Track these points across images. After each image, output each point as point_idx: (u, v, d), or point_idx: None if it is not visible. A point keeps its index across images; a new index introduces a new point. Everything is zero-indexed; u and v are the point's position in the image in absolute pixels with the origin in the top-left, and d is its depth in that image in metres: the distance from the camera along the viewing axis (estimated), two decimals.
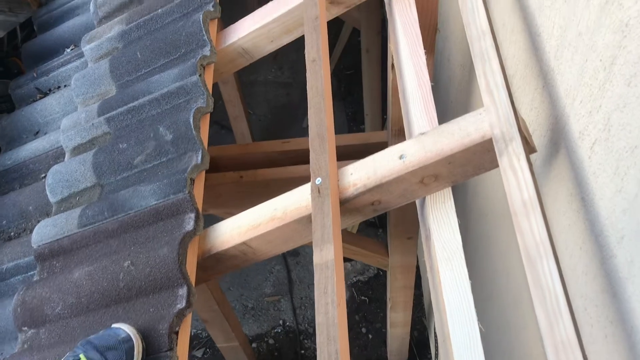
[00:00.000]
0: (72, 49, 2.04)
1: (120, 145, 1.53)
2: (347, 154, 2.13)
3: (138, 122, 1.60)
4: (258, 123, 5.11)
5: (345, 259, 3.62)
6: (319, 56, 1.40)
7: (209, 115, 1.55)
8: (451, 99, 2.18)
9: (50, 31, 2.13)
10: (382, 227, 4.21)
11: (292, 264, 4.09)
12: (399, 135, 1.97)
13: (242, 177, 2.06)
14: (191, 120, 1.45)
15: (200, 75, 1.54)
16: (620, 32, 0.82)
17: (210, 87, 1.59)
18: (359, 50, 3.94)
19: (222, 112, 4.33)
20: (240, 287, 4.04)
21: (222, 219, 2.21)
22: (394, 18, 1.49)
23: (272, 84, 5.33)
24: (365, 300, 3.92)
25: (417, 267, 2.81)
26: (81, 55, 1.93)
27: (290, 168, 2.06)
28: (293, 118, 5.07)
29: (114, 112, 1.62)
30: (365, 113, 4.33)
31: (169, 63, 1.67)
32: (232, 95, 3.88)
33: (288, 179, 2.04)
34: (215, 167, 2.18)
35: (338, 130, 5.14)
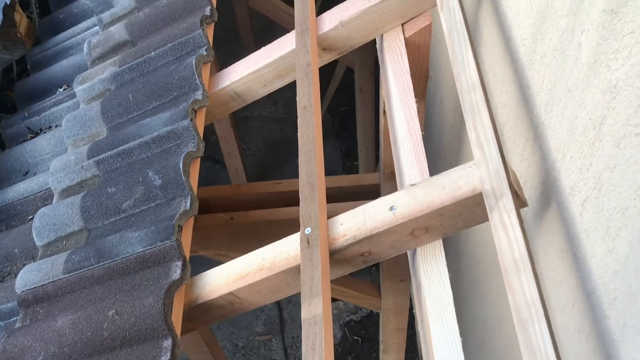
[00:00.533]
0: (64, 89, 2.04)
1: (109, 190, 1.51)
2: (340, 196, 2.12)
3: (128, 166, 1.59)
4: (252, 158, 5.11)
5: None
6: (310, 103, 1.39)
7: (199, 159, 1.54)
8: (443, 142, 2.19)
9: (43, 71, 2.13)
10: (375, 265, 4.18)
11: (283, 302, 4.04)
12: (391, 178, 1.97)
13: (232, 218, 2.04)
14: (181, 165, 1.44)
15: (191, 120, 1.54)
16: (609, 93, 0.82)
17: (201, 130, 1.59)
18: (353, 87, 3.98)
19: (216, 147, 4.33)
20: (231, 326, 3.98)
21: (213, 260, 2.18)
22: (386, 66, 1.49)
23: (266, 120, 5.36)
24: (358, 340, 3.86)
25: (411, 308, 2.77)
26: (73, 95, 1.93)
27: (282, 210, 2.05)
28: (287, 153, 5.08)
29: (103, 155, 1.61)
30: (359, 150, 4.34)
31: (161, 106, 1.67)
32: (226, 132, 3.89)
33: (280, 221, 2.03)
34: (205, 207, 2.16)
35: (332, 166, 5.16)
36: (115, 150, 1.60)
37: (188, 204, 1.41)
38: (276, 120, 5.35)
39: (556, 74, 1.02)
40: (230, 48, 5.21)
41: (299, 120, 1.39)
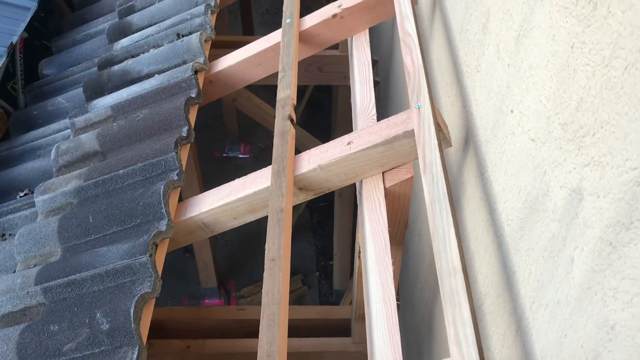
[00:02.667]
0: (25, 194, 1.93)
1: (52, 327, 1.37)
2: (308, 330, 1.99)
3: (77, 297, 1.46)
4: (225, 249, 4.97)
5: None
6: (279, 255, 1.30)
7: (154, 299, 1.42)
8: (421, 278, 2.09)
9: (6, 170, 2.02)
10: None
11: None
12: (362, 320, 1.85)
13: (189, 347, 1.89)
14: (132, 311, 1.31)
15: (150, 255, 1.42)
16: (606, 332, 0.73)
17: (161, 265, 1.47)
18: None
19: None
20: None
21: None
22: (364, 214, 1.41)
23: None
24: None
25: None
26: (33, 204, 1.81)
27: (241, 341, 1.90)
28: (261, 245, 4.94)
29: (53, 283, 1.48)
30: (335, 253, 4.24)
31: (122, 232, 1.56)
32: None
33: (238, 354, 1.88)
34: (161, 331, 2.01)
35: (306, 264, 5.02)
36: (65, 279, 1.48)
37: (135, 356, 1.27)
38: None
39: (544, 275, 0.94)
40: (214, 135, 5.16)
41: (265, 274, 1.28)
